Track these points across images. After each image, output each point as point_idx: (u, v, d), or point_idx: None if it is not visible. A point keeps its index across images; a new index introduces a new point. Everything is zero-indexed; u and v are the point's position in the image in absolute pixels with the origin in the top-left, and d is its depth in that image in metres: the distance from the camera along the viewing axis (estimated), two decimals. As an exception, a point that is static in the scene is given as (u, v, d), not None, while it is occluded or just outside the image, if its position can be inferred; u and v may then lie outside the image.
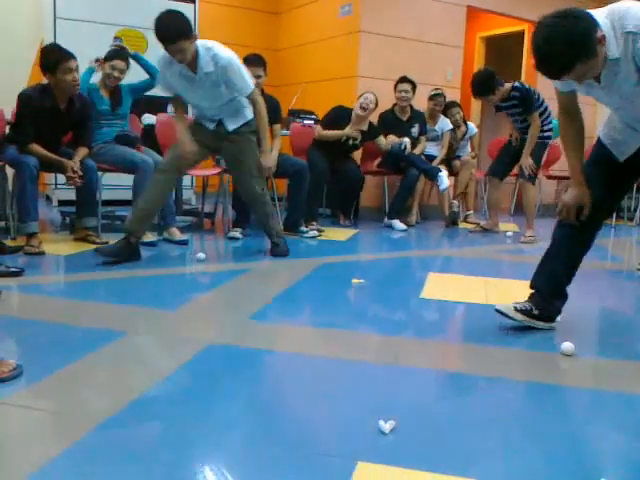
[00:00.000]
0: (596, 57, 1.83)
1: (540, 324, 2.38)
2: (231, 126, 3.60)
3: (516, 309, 2.36)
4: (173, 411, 1.60)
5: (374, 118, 5.38)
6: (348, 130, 5.02)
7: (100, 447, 1.39)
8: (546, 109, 4.59)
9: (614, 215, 6.24)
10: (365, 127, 5.13)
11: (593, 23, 1.81)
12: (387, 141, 5.23)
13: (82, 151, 3.80)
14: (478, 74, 4.64)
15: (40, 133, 3.64)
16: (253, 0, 7.40)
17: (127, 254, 3.33)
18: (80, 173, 3.66)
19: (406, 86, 5.34)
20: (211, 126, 3.62)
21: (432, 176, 5.19)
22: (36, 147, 3.61)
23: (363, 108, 5.01)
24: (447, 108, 5.84)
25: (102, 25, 5.53)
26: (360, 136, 5.11)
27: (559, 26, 1.79)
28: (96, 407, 1.60)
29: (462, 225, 5.52)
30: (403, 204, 5.24)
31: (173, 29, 3.10)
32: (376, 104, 5.09)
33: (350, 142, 5.08)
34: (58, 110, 3.69)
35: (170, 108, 5.62)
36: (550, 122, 4.61)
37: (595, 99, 2.14)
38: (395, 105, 5.49)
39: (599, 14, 1.87)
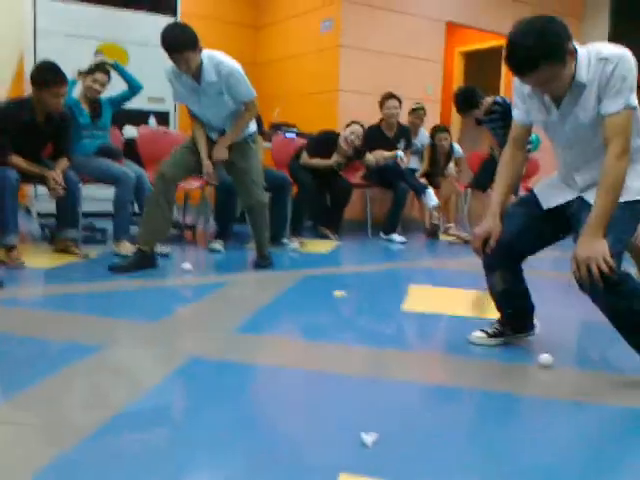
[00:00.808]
0: (563, 66, 1.84)
1: (517, 337, 2.43)
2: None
3: (488, 335, 2.41)
4: (156, 425, 1.59)
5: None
6: (333, 161, 5.04)
7: (80, 463, 1.38)
8: None
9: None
10: (350, 152, 5.14)
11: (567, 33, 1.83)
12: (376, 157, 5.26)
13: (63, 162, 3.78)
14: (460, 92, 4.70)
15: (19, 146, 3.61)
16: (234, 14, 7.44)
17: (140, 264, 3.43)
18: (62, 184, 3.64)
19: (394, 102, 5.38)
20: (215, 136, 3.65)
21: (419, 193, 5.25)
22: (16, 159, 3.59)
23: (349, 144, 5.03)
24: (435, 131, 5.89)
25: (83, 39, 5.51)
26: (345, 161, 5.14)
27: (535, 23, 1.82)
28: (76, 422, 1.58)
29: (443, 237, 5.56)
30: (398, 217, 5.27)
31: (180, 39, 3.17)
32: (364, 136, 5.12)
33: (335, 167, 5.11)
34: (36, 124, 3.67)
35: (151, 120, 5.64)
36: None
37: (549, 135, 2.14)
38: (382, 121, 5.51)
39: (577, 44, 1.91)
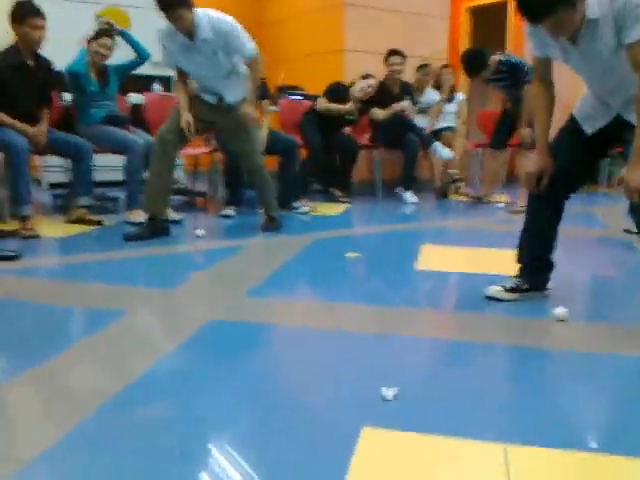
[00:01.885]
0: (575, 10, 1.84)
1: (532, 295, 2.44)
2: (231, 98, 3.61)
3: (505, 289, 2.43)
4: (177, 388, 1.64)
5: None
6: (349, 107, 5.02)
7: (104, 428, 1.42)
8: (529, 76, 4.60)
9: (605, 182, 6.30)
10: (358, 104, 5.13)
11: None
12: (384, 111, 5.23)
13: (45, 113, 3.79)
14: (467, 55, 4.64)
15: (11, 94, 3.59)
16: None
17: (153, 231, 3.47)
18: (44, 140, 3.68)
19: (397, 59, 5.33)
20: (212, 100, 3.64)
21: (427, 144, 5.21)
22: (1, 115, 3.56)
23: (365, 92, 5.04)
24: (441, 70, 5.83)
25: (83, 4, 5.44)
26: (357, 114, 5.13)
27: None
28: (99, 386, 1.63)
29: (453, 196, 5.55)
30: (412, 172, 5.26)
31: None
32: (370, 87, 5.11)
33: (349, 117, 5.09)
34: (27, 66, 3.66)
35: (156, 86, 5.59)
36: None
37: (572, 68, 2.14)
38: (386, 78, 5.47)
39: None
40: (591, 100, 2.23)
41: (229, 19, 3.38)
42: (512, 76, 4.54)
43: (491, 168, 5.13)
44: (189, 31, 3.31)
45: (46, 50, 4.57)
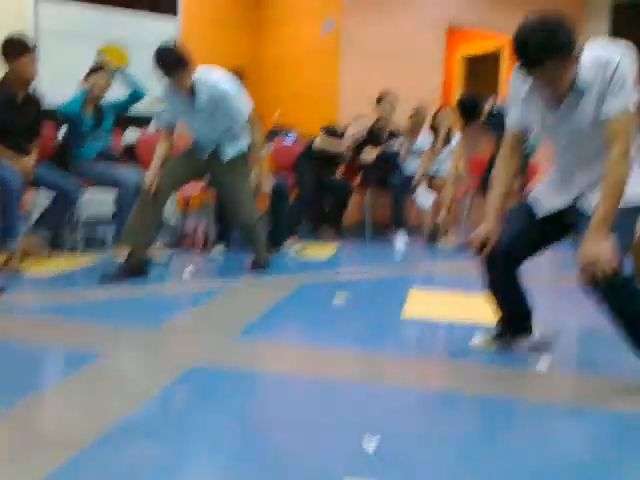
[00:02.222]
0: (569, 66, 1.86)
1: (516, 341, 2.45)
2: (226, 154, 3.64)
3: (488, 338, 2.45)
4: (157, 436, 1.61)
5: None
6: (344, 149, 5.14)
7: (81, 474, 1.39)
8: None
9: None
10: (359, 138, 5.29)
11: (575, 35, 1.84)
12: (374, 151, 5.34)
13: (35, 147, 3.83)
14: (464, 102, 4.76)
15: (2, 128, 3.62)
16: (235, 15, 7.44)
17: (130, 272, 3.41)
18: (30, 175, 3.69)
19: (386, 105, 5.46)
20: (205, 154, 3.66)
21: (410, 191, 5.28)
22: None
23: (357, 135, 5.18)
24: (437, 112, 5.93)
25: (84, 40, 5.52)
26: (350, 154, 5.27)
27: (548, 19, 1.84)
28: (74, 434, 1.60)
29: (442, 241, 5.56)
30: (401, 213, 5.29)
31: (170, 59, 3.24)
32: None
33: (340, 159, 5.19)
34: (15, 101, 3.69)
35: (152, 126, 5.65)
36: (528, 141, 4.70)
37: (548, 136, 2.15)
38: (376, 121, 5.57)
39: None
40: (554, 179, 2.23)
41: (226, 82, 3.44)
42: (501, 127, 4.60)
43: (476, 212, 5.15)
44: (189, 92, 3.38)
45: (46, 85, 4.64)
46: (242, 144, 3.67)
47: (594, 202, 1.97)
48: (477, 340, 2.46)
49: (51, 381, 2.00)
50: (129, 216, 3.53)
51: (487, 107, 4.61)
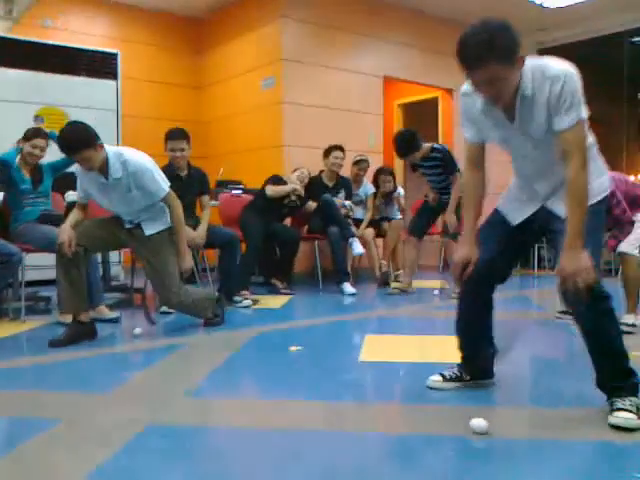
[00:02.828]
0: (511, 70, 1.87)
1: (476, 384, 2.41)
2: (149, 231, 3.49)
3: (445, 378, 2.41)
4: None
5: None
6: (297, 186, 5.22)
7: None
8: (457, 165, 4.80)
9: (536, 265, 6.53)
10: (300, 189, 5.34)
11: (519, 41, 1.87)
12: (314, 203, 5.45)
13: None
14: (400, 135, 4.82)
15: None
16: (175, 76, 7.52)
17: (77, 335, 3.27)
18: None
19: (339, 153, 5.58)
20: (128, 225, 3.53)
21: (346, 237, 5.28)
22: None
23: (300, 180, 5.29)
24: (379, 173, 6.07)
25: (22, 104, 5.45)
26: (303, 192, 5.31)
27: (491, 23, 1.86)
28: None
29: (393, 285, 5.62)
30: (343, 263, 5.28)
31: (75, 139, 3.14)
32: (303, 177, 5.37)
33: (293, 198, 5.22)
34: None
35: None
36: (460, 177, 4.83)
37: (505, 148, 2.16)
38: (322, 172, 5.65)
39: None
40: (516, 191, 2.26)
41: (141, 159, 3.33)
42: (443, 162, 4.72)
43: (409, 255, 5.15)
44: (101, 169, 3.27)
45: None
46: (166, 221, 3.53)
47: (560, 201, 2.01)
48: (433, 379, 2.43)
49: (4, 452, 1.87)
50: (58, 285, 3.38)
51: (425, 147, 4.71)
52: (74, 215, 3.43)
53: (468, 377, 2.41)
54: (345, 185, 5.69)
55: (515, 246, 2.30)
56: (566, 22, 7.52)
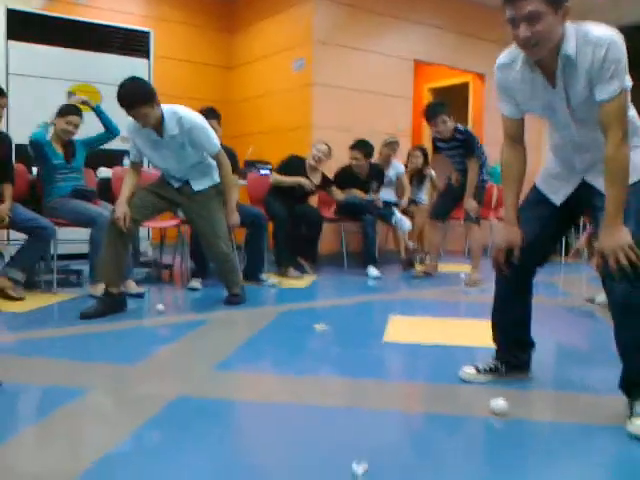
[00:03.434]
0: (554, 17, 1.77)
1: (511, 376, 2.30)
2: (197, 187, 3.65)
3: (479, 371, 2.30)
4: (142, 469, 1.57)
5: (332, 167, 5.52)
6: (302, 180, 5.16)
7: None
8: (484, 157, 4.78)
9: (562, 252, 6.46)
10: (318, 179, 5.30)
11: None
12: (342, 194, 5.46)
13: (8, 190, 3.80)
14: (429, 102, 4.86)
15: None
16: (206, 55, 7.55)
17: (108, 307, 3.34)
18: (6, 219, 3.68)
19: (357, 154, 5.45)
20: (176, 184, 3.66)
21: (387, 218, 5.37)
22: None
23: (315, 159, 5.19)
24: (411, 151, 6.08)
25: (55, 80, 5.53)
26: (314, 187, 5.27)
27: None
28: (62, 468, 1.55)
29: (418, 267, 5.61)
30: (371, 249, 5.30)
31: (133, 95, 3.22)
32: (329, 153, 5.25)
33: (305, 189, 5.20)
34: None
35: (126, 161, 5.64)
36: (486, 168, 4.80)
37: (546, 116, 2.06)
38: (349, 167, 5.64)
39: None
40: (555, 167, 2.17)
41: (195, 116, 3.46)
42: (464, 145, 4.69)
43: (433, 239, 5.17)
44: (156, 126, 3.37)
45: (15, 125, 4.61)
46: (213, 177, 3.68)
47: (601, 176, 1.91)
48: (466, 371, 2.31)
49: (33, 419, 1.94)
50: (101, 252, 3.48)
51: (450, 125, 4.66)
52: (129, 182, 3.51)
53: (504, 369, 2.30)
54: (376, 175, 5.65)
55: (557, 226, 2.21)
56: (589, 12, 7.33)
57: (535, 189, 2.23)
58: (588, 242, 5.77)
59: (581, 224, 6.13)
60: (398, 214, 5.44)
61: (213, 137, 3.52)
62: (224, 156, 3.62)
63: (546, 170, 2.22)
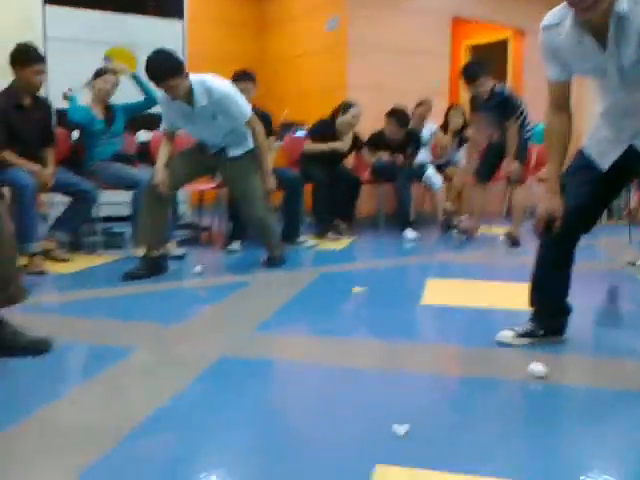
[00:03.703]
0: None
1: (547, 339, 2.31)
2: (233, 153, 3.67)
3: (518, 334, 2.30)
4: (188, 427, 1.64)
5: (367, 127, 5.48)
6: (336, 144, 5.13)
7: (122, 462, 1.42)
8: (526, 115, 4.65)
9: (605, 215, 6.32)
10: (349, 140, 5.25)
11: None
12: (371, 156, 5.47)
13: (51, 154, 3.89)
14: (467, 62, 4.78)
15: (13, 135, 3.67)
16: (240, 15, 7.48)
17: (148, 269, 3.43)
18: (50, 182, 3.76)
19: (391, 124, 5.37)
20: (212, 150, 3.69)
21: (419, 177, 5.38)
22: (8, 154, 3.64)
23: (351, 125, 5.14)
24: (449, 110, 5.98)
25: (91, 44, 5.55)
26: (345, 147, 5.24)
27: None
28: (116, 422, 1.63)
29: (456, 229, 5.56)
30: (407, 213, 5.29)
31: (160, 68, 3.21)
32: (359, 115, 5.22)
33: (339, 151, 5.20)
34: (24, 107, 3.75)
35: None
36: (529, 124, 4.69)
37: (596, 78, 2.00)
38: (381, 132, 5.58)
39: None
40: (603, 132, 2.11)
41: (225, 85, 3.43)
42: (502, 106, 4.58)
43: (476, 200, 5.11)
44: (186, 98, 3.36)
45: (53, 90, 4.66)
46: (248, 143, 3.69)
47: None
48: (504, 334, 2.32)
49: (82, 377, 2.03)
50: (139, 219, 3.56)
51: (488, 85, 4.56)
52: (164, 150, 3.55)
53: (541, 332, 2.30)
54: (413, 141, 5.58)
55: (603, 192, 2.16)
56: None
57: (581, 154, 2.18)
58: None
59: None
60: (430, 171, 5.40)
61: (243, 105, 3.51)
62: (257, 122, 3.61)
63: (593, 135, 2.17)
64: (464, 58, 8.44)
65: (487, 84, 4.53)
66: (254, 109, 4.51)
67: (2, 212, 2.13)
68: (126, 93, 4.37)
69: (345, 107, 5.17)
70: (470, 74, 4.56)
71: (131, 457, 1.45)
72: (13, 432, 1.57)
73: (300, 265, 3.95)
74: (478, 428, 1.62)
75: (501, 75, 7.50)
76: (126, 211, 4.21)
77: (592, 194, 2.12)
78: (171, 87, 3.25)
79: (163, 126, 3.67)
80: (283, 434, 1.59)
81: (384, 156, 5.43)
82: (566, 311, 2.33)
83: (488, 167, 4.97)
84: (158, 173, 3.45)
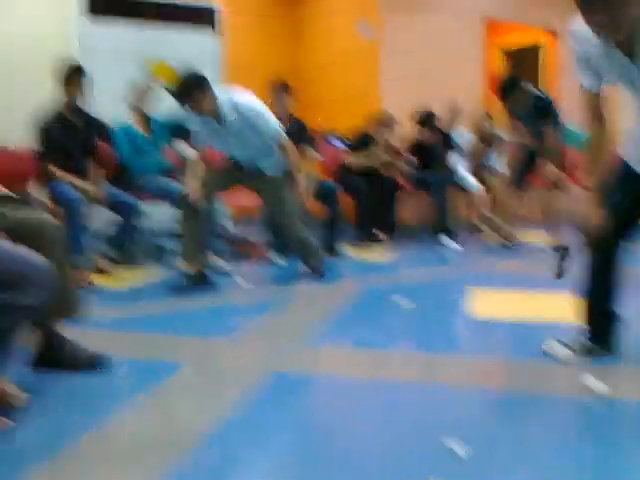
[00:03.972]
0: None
1: (597, 354, 2.27)
2: (266, 170, 3.68)
3: (567, 347, 2.28)
4: (250, 437, 1.68)
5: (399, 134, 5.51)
6: (379, 159, 5.25)
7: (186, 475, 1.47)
8: (560, 120, 4.65)
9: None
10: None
11: None
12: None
13: (94, 168, 4.00)
14: (503, 80, 4.77)
15: (61, 150, 3.83)
16: (273, 24, 7.55)
17: (194, 283, 3.50)
18: (102, 200, 3.91)
19: (422, 130, 5.54)
20: (245, 167, 3.70)
21: (455, 183, 5.44)
22: (60, 173, 3.80)
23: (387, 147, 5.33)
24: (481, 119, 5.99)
25: (128, 57, 5.65)
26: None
27: None
28: (164, 441, 1.67)
29: (494, 238, 5.48)
30: (444, 218, 5.29)
31: (182, 84, 3.28)
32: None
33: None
34: (72, 123, 3.91)
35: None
36: (563, 129, 4.68)
37: (625, 86, 1.99)
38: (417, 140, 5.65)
39: None
40: (636, 138, 2.12)
41: (252, 100, 3.42)
42: (542, 113, 4.57)
43: (511, 209, 5.09)
44: (214, 114, 3.36)
45: (100, 103, 4.77)
46: (281, 162, 3.67)
47: None
48: (552, 348, 2.31)
49: (132, 394, 2.06)
50: (179, 236, 3.61)
51: (528, 93, 4.56)
52: (197, 167, 3.57)
53: (591, 344, 2.28)
54: (450, 144, 5.66)
55: None
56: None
57: (621, 161, 2.18)
58: None
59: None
60: (462, 173, 5.43)
61: (271, 121, 3.48)
62: (286, 139, 3.58)
63: (630, 139, 2.17)
64: (497, 61, 8.38)
65: (523, 96, 4.55)
66: (291, 118, 4.54)
67: (58, 224, 2.19)
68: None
69: (386, 121, 5.28)
70: (504, 93, 4.60)
71: (195, 470, 1.49)
72: (81, 444, 1.63)
73: (341, 277, 3.96)
74: (536, 447, 1.62)
75: (534, 80, 7.42)
76: (172, 225, 4.28)
77: (632, 201, 2.14)
78: (194, 102, 3.27)
79: (194, 144, 3.70)
80: (335, 449, 1.62)
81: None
82: (616, 320, 2.29)
83: (521, 173, 4.95)
84: (193, 191, 3.48)
